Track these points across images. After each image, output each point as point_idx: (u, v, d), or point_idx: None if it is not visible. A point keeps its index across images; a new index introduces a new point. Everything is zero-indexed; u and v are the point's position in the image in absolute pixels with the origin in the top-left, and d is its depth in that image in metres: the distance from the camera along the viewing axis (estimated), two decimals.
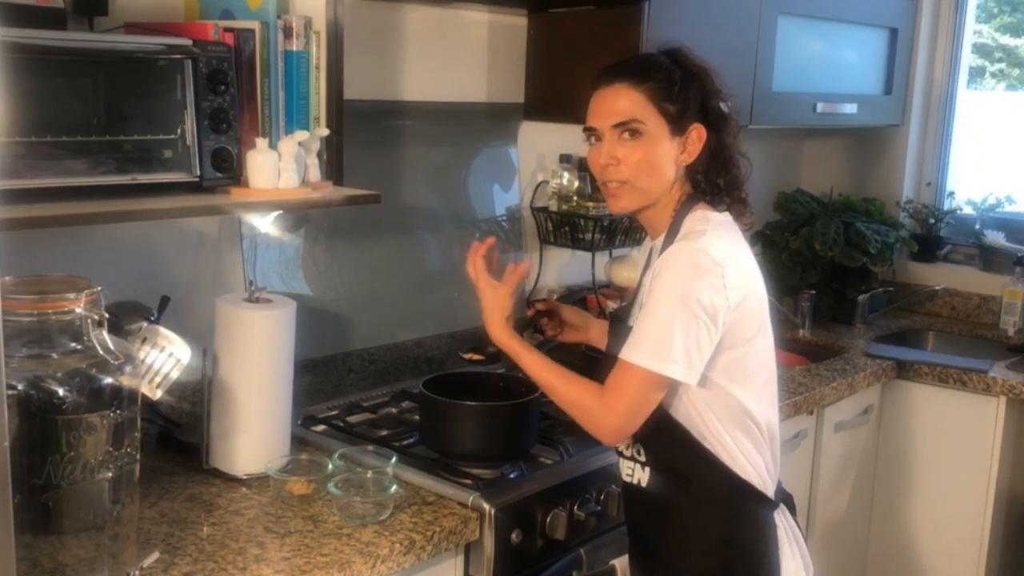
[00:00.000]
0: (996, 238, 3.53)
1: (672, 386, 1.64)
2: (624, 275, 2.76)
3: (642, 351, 1.60)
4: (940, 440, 3.00)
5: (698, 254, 1.60)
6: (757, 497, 1.70)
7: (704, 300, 1.58)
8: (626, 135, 1.68)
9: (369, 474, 1.81)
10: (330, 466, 1.85)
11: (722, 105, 1.72)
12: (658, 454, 1.72)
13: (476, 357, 2.06)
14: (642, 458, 1.74)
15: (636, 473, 1.75)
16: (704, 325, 1.59)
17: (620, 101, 1.68)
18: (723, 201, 1.73)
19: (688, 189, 1.73)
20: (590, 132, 1.73)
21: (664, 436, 1.69)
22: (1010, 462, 3.01)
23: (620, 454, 1.79)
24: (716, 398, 1.66)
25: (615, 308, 2.21)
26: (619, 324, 1.77)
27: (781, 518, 1.75)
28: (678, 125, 1.68)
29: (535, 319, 2.01)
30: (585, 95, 1.74)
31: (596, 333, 1.97)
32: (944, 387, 2.97)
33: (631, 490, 1.78)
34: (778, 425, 1.78)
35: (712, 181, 1.72)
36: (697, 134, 1.69)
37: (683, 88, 1.68)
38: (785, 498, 1.79)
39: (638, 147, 1.68)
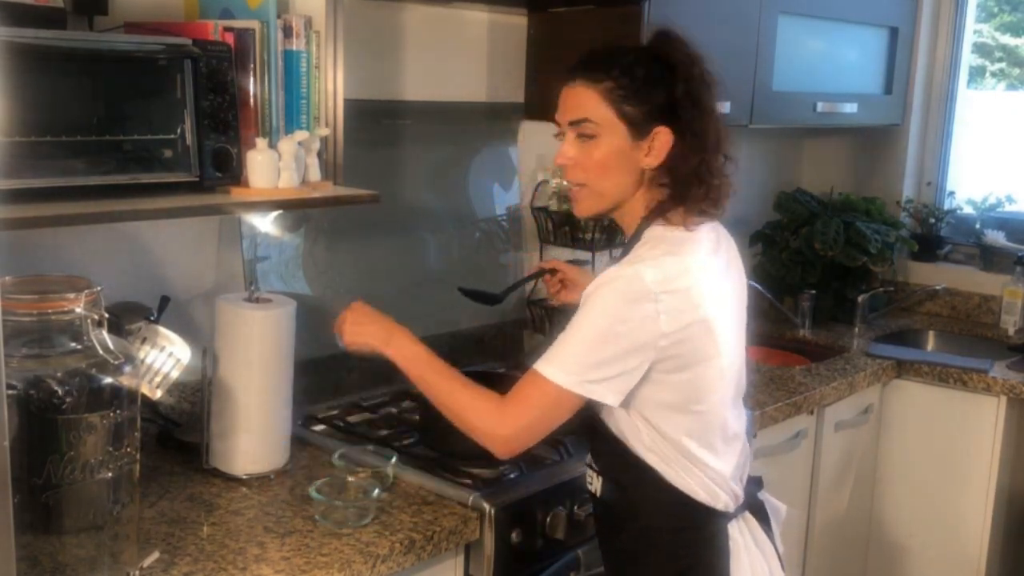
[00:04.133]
0: (996, 238, 3.53)
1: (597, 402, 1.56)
2: None
3: (560, 367, 1.52)
4: (940, 440, 3.00)
5: (631, 281, 1.50)
6: (704, 510, 1.62)
7: (632, 325, 1.50)
8: (582, 135, 1.59)
9: (351, 478, 1.80)
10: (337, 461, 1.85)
11: (705, 97, 1.57)
12: (604, 463, 1.68)
13: None
14: (596, 467, 1.70)
15: (594, 482, 1.71)
16: (633, 351, 1.51)
17: (577, 99, 1.59)
18: (693, 210, 1.59)
19: (658, 195, 1.61)
20: (558, 128, 1.64)
21: (605, 445, 1.65)
22: (1010, 462, 3.00)
23: (588, 465, 1.75)
24: (654, 424, 1.59)
25: None
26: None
27: (739, 529, 1.66)
28: (639, 128, 1.56)
29: (539, 274, 2.07)
30: None
31: None
32: (944, 387, 2.96)
33: (593, 500, 1.75)
34: (742, 433, 1.70)
35: (681, 189, 1.58)
36: (663, 138, 1.56)
37: (647, 87, 1.56)
38: (751, 505, 1.71)
39: (592, 148, 1.58)
